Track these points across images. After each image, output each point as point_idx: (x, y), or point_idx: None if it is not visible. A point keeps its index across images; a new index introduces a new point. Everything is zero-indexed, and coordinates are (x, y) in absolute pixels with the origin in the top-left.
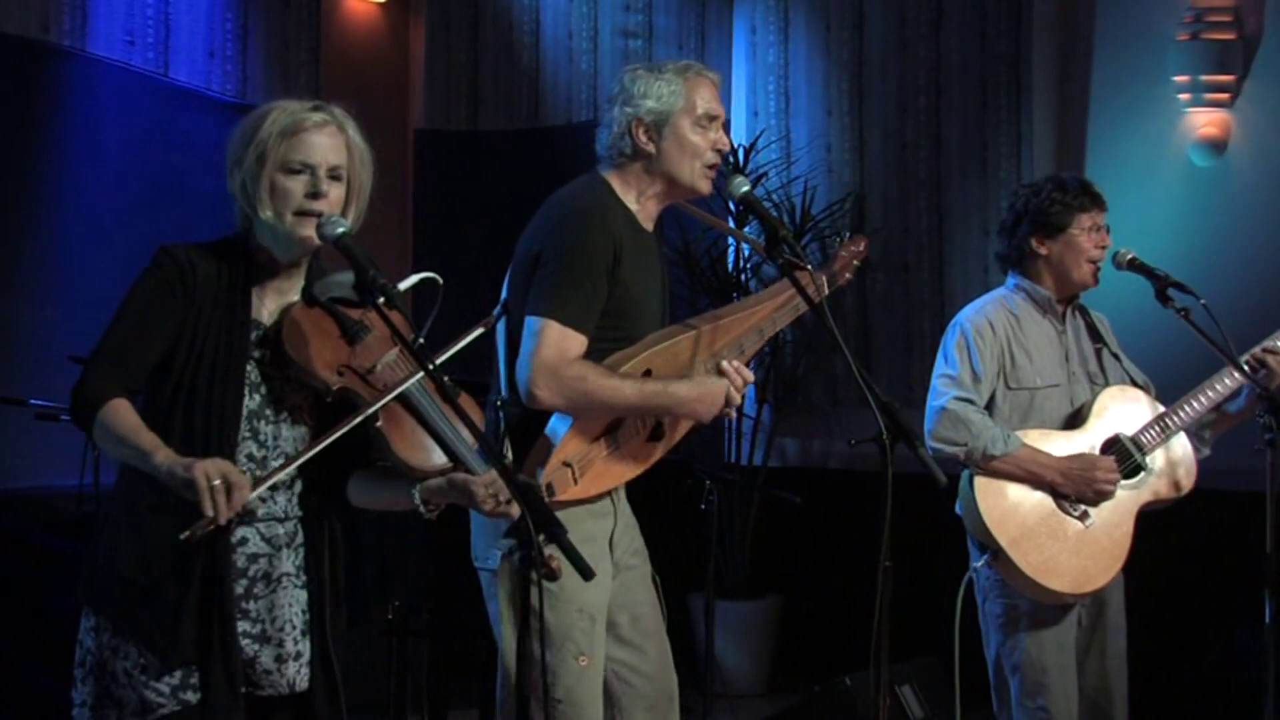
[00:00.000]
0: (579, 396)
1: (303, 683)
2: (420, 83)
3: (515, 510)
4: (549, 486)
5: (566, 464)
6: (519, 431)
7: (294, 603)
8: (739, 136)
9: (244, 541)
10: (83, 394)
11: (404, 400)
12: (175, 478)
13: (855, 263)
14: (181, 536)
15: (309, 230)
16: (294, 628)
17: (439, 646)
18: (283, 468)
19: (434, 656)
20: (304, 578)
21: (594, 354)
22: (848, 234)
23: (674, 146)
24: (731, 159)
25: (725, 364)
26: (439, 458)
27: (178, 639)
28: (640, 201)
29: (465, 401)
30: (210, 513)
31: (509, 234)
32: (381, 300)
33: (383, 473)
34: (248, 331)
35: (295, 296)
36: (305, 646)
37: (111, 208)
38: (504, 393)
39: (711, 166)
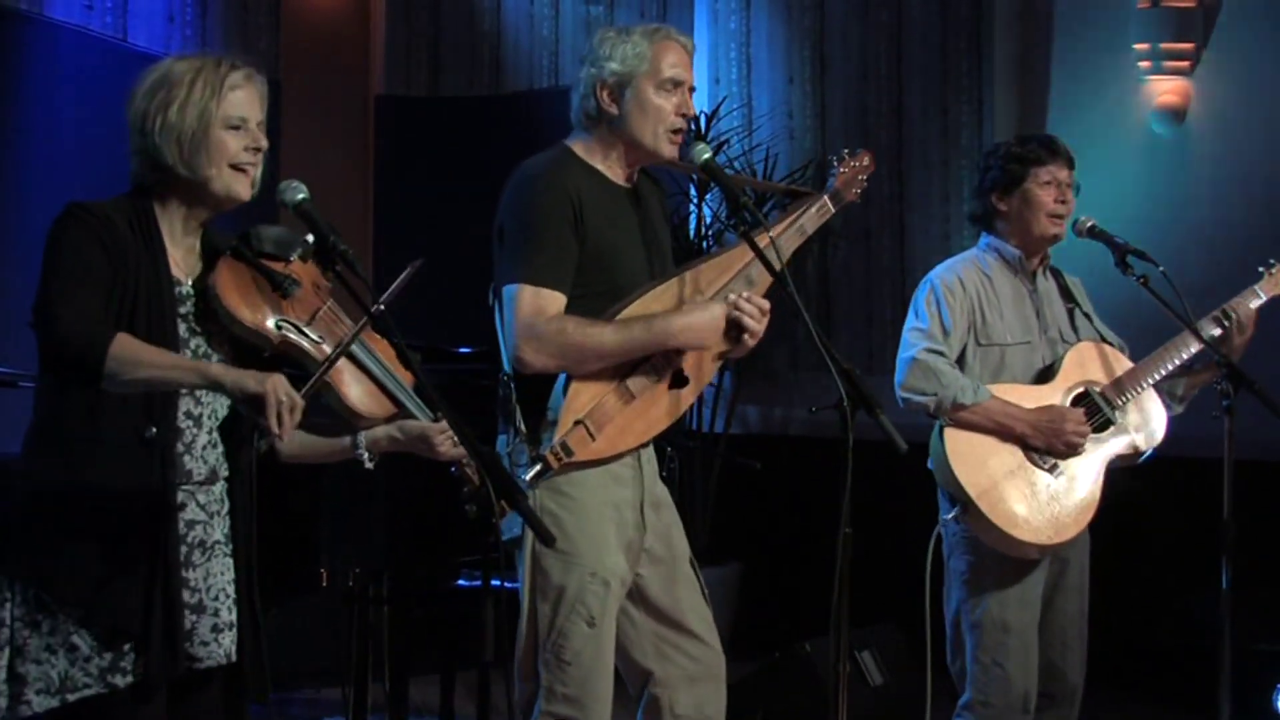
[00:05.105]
0: (564, 349)
1: (235, 653)
2: (381, 48)
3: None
4: (565, 447)
5: (579, 422)
6: (528, 403)
7: (225, 570)
8: (700, 103)
9: (182, 507)
10: (76, 337)
11: (348, 352)
12: (244, 389)
13: (862, 178)
14: (258, 448)
15: (242, 185)
16: (227, 596)
17: (399, 613)
18: (319, 375)
19: (394, 624)
20: (231, 545)
21: (581, 306)
22: (846, 151)
23: (635, 109)
24: (693, 126)
25: (731, 295)
26: (386, 406)
27: (120, 611)
28: (607, 163)
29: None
30: (276, 430)
31: (469, 199)
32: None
33: (315, 425)
34: (173, 288)
35: (198, 253)
36: (236, 615)
37: (70, 174)
38: (506, 368)
39: (677, 131)
